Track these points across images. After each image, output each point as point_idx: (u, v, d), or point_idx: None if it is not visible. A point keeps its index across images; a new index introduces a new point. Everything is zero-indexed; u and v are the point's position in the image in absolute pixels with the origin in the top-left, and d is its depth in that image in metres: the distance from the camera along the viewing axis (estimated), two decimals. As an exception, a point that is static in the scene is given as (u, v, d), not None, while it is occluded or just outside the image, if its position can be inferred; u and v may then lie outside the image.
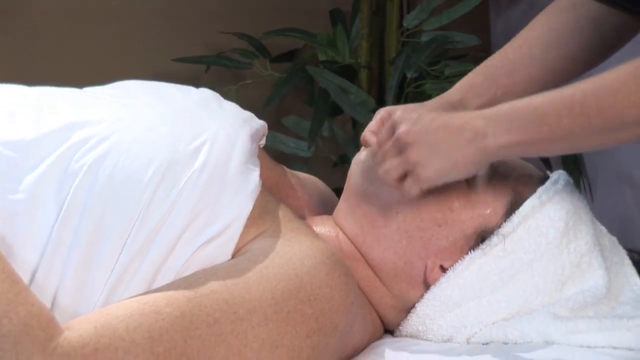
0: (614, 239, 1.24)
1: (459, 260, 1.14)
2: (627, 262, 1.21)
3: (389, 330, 1.24)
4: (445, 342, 1.17)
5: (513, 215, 1.15)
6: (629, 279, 1.19)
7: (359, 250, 1.19)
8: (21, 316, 0.88)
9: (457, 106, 1.19)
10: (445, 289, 1.14)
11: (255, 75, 2.37)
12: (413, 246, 1.15)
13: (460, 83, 1.25)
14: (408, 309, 1.19)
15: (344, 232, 1.20)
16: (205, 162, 1.04)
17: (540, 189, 1.17)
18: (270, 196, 1.13)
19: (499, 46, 1.28)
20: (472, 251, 1.14)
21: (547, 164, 2.10)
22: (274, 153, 2.28)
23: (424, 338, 1.18)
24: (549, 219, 1.14)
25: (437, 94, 1.27)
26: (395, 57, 2.27)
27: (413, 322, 1.18)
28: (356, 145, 2.19)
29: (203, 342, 0.95)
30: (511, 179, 1.17)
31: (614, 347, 1.10)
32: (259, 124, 1.19)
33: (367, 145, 1.21)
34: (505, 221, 1.15)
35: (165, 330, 0.93)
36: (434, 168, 1.07)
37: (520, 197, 1.16)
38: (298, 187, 1.29)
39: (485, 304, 1.14)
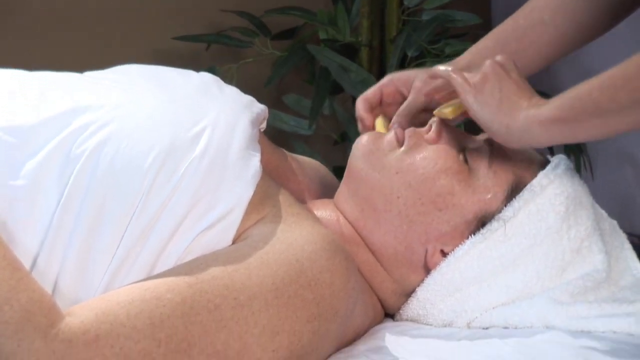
0: (614, 222, 1.24)
1: (460, 245, 1.14)
2: (627, 246, 1.22)
3: (389, 314, 1.24)
4: (445, 326, 1.17)
5: (514, 200, 1.15)
6: (629, 264, 1.19)
7: (359, 235, 1.19)
8: (23, 303, 0.88)
9: (465, 69, 1.19)
10: (446, 273, 1.15)
11: (256, 54, 2.36)
12: (414, 231, 1.15)
13: (470, 49, 1.26)
14: (408, 293, 1.19)
15: (344, 216, 1.20)
16: (206, 148, 1.04)
17: (541, 174, 1.17)
18: (271, 181, 1.13)
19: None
20: (472, 236, 1.14)
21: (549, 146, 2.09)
22: (275, 131, 2.27)
23: (425, 322, 1.19)
24: (550, 204, 1.14)
25: (438, 73, 1.27)
26: (395, 35, 2.26)
27: (413, 307, 1.18)
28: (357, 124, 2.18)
29: (204, 327, 0.95)
30: (512, 164, 1.17)
31: (614, 332, 1.10)
32: (260, 108, 1.18)
33: (363, 122, 1.21)
34: (505, 206, 1.14)
35: (167, 317, 0.93)
36: (489, 110, 1.10)
37: (521, 181, 1.16)
38: (298, 171, 1.29)
39: (486, 288, 1.14)
